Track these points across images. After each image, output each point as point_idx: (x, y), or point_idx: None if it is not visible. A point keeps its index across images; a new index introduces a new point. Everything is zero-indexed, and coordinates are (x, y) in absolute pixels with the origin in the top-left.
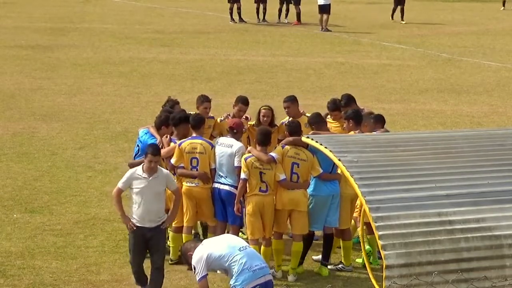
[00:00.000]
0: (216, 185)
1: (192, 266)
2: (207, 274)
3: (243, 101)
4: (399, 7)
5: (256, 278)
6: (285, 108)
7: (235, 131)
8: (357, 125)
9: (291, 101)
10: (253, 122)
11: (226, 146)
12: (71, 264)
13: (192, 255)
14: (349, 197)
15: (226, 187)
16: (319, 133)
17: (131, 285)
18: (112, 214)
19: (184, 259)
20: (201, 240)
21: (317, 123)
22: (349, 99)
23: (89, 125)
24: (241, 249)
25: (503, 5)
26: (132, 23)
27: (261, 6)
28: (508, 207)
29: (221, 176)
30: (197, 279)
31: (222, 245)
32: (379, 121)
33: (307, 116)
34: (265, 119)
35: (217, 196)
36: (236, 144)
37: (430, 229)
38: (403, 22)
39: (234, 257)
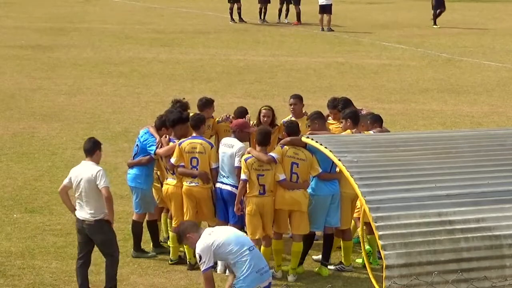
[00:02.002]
0: (218, 185)
1: (197, 255)
2: (213, 266)
3: (240, 115)
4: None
5: (262, 281)
6: (291, 104)
7: (234, 131)
8: (355, 124)
9: (298, 98)
10: (253, 122)
11: (228, 146)
12: (71, 264)
13: (191, 237)
14: (349, 197)
15: (228, 187)
16: (317, 133)
17: (130, 285)
18: None
19: (180, 238)
20: (202, 228)
21: (318, 118)
22: (346, 103)
23: (89, 125)
24: (250, 249)
25: None
26: (132, 23)
27: (263, 6)
28: (508, 207)
29: (223, 176)
30: (202, 269)
31: (231, 238)
32: (376, 121)
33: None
34: (265, 119)
35: (219, 196)
36: (237, 145)
37: (430, 229)
38: (437, 27)
39: (243, 255)
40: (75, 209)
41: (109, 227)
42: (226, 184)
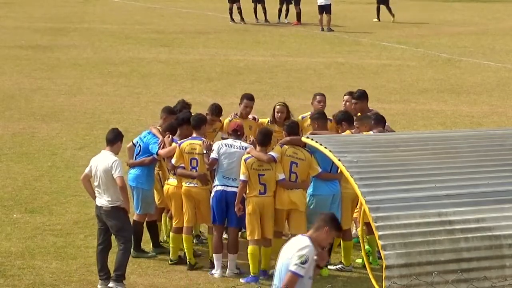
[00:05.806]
0: (220, 188)
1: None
2: None
3: (248, 97)
4: (382, 7)
5: None
6: (319, 102)
7: (239, 133)
8: (350, 124)
9: (325, 96)
10: (267, 119)
11: (241, 148)
12: (71, 264)
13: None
14: (349, 197)
15: (234, 189)
16: (318, 133)
17: (130, 285)
18: None
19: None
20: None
21: (319, 119)
22: (362, 95)
23: (89, 125)
24: None
25: None
26: (132, 23)
27: (260, 6)
28: (508, 207)
29: (229, 179)
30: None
31: None
32: (379, 122)
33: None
34: (279, 115)
35: (222, 199)
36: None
37: (430, 229)
38: (392, 20)
39: None
40: (95, 196)
41: (125, 215)
42: (233, 186)
